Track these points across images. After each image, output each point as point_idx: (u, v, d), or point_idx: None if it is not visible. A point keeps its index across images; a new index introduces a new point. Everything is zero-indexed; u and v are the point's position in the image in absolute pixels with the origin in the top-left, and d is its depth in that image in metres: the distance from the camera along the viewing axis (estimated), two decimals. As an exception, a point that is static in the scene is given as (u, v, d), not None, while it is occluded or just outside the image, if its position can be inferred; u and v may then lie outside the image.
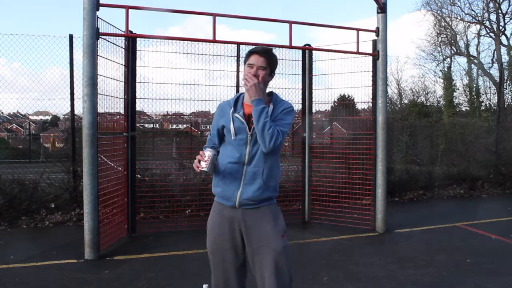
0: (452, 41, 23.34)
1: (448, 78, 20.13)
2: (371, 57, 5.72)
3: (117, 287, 3.78)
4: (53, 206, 6.06)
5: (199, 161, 2.26)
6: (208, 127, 12.88)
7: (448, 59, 23.95)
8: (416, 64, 28.28)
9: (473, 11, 22.62)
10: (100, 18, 4.50)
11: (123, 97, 5.29)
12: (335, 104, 7.03)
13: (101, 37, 4.57)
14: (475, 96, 18.59)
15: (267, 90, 2.40)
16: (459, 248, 5.03)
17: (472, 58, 22.70)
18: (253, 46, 2.42)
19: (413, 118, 11.89)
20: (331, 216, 5.86)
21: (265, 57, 2.31)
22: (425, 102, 17.23)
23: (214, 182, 2.41)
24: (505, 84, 15.20)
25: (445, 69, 23.22)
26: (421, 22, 45.84)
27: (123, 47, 5.21)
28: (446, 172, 9.00)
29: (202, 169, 2.24)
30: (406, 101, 18.30)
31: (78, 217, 5.94)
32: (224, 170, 2.33)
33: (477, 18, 22.60)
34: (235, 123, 2.32)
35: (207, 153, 2.26)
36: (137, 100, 5.38)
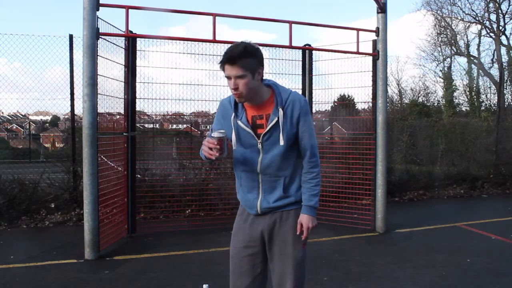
0: (452, 41, 23.30)
1: (448, 78, 20.11)
2: (371, 57, 5.72)
3: (117, 287, 3.78)
4: (53, 206, 6.06)
5: (211, 149, 1.96)
6: (208, 127, 12.86)
7: (448, 59, 23.92)
8: (416, 64, 28.27)
9: (473, 11, 22.59)
10: (100, 18, 4.50)
11: (123, 97, 5.29)
12: (335, 104, 7.02)
13: (101, 37, 4.57)
14: (475, 96, 18.56)
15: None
16: (459, 248, 5.03)
17: (472, 58, 22.68)
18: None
19: (413, 118, 11.87)
20: (331, 216, 5.85)
21: (239, 63, 1.95)
22: (425, 102, 17.21)
23: (236, 186, 2.29)
24: (505, 84, 15.19)
25: (445, 69, 23.22)
26: (421, 22, 45.82)
27: (123, 47, 5.21)
28: (446, 172, 8.98)
29: (218, 156, 1.96)
30: (406, 101, 18.27)
31: (78, 217, 5.94)
32: (240, 177, 2.23)
33: (477, 18, 22.57)
34: (241, 132, 2.10)
35: (216, 135, 1.95)
36: (137, 100, 5.38)
